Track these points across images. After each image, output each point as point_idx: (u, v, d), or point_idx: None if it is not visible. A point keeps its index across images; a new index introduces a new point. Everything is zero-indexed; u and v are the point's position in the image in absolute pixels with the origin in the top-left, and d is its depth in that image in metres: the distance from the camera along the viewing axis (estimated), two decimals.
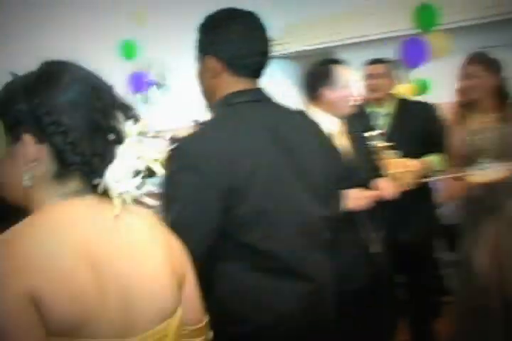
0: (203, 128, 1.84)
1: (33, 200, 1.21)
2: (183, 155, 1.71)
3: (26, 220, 1.16)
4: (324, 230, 1.97)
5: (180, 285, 1.35)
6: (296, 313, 1.84)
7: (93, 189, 1.19)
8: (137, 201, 1.23)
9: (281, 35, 6.36)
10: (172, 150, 1.68)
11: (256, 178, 1.74)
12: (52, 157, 1.17)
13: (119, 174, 1.19)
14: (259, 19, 1.88)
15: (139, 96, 5.77)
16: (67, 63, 1.24)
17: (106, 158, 1.19)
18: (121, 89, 1.29)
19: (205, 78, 1.91)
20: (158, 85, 5.89)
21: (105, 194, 1.20)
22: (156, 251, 1.30)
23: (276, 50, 5.98)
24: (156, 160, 1.24)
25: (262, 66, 1.90)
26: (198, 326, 1.43)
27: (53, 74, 1.21)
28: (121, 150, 1.21)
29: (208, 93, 1.93)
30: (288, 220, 1.83)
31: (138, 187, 1.21)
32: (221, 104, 1.87)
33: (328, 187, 2.01)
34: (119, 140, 1.21)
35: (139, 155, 1.22)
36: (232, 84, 1.86)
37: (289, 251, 1.82)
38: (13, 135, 1.18)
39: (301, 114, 2.06)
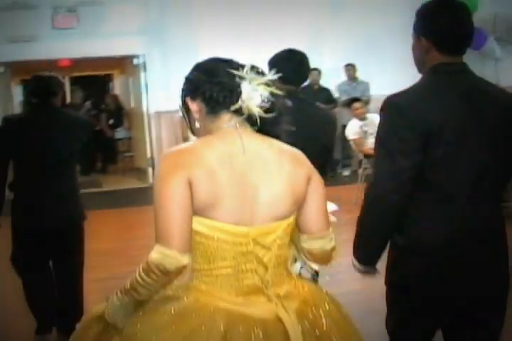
0: (411, 87, 2.40)
1: (204, 133, 2.01)
2: (392, 105, 2.33)
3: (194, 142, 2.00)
4: (493, 184, 2.38)
5: (296, 203, 1.98)
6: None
7: (237, 115, 1.96)
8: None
9: None
10: (385, 101, 2.34)
11: (445, 129, 2.25)
12: (205, 107, 1.98)
13: (250, 95, 1.91)
14: (466, 9, 2.38)
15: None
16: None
17: (235, 93, 1.93)
18: None
19: (418, 53, 2.45)
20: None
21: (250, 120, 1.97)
22: (282, 175, 1.96)
23: None
24: (266, 88, 1.93)
25: (463, 45, 2.39)
26: (315, 234, 2.04)
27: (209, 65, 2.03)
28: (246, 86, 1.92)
29: (419, 64, 2.47)
30: (466, 167, 2.30)
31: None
32: (428, 72, 2.40)
33: (503, 150, 2.37)
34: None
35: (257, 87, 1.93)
36: (437, 58, 2.36)
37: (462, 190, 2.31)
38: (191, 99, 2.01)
39: (495, 86, 2.49)
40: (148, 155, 11.33)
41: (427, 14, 2.40)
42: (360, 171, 8.82)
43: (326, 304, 2.04)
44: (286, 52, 3.43)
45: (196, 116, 2.01)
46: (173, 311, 1.88)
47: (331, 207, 2.22)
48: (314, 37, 10.92)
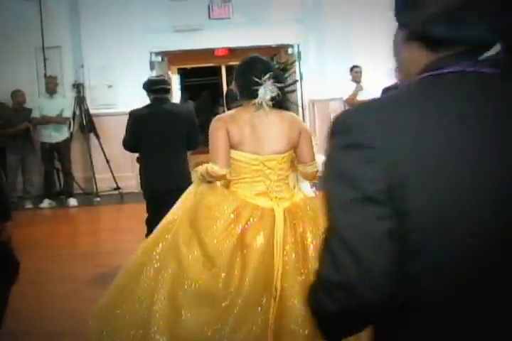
0: None
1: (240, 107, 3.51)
2: None
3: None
4: None
5: (289, 145, 3.36)
6: None
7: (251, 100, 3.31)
8: None
9: None
10: None
11: None
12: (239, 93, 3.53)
13: (263, 95, 3.24)
14: None
15: None
16: None
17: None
18: None
19: None
20: None
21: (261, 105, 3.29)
22: (282, 129, 3.34)
23: None
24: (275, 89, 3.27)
25: None
26: (307, 163, 3.38)
27: None
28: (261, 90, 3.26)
29: None
30: None
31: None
32: None
33: None
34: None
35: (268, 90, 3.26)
36: None
37: None
38: None
39: None
40: None
41: None
42: None
43: (309, 208, 3.31)
44: None
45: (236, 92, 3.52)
46: (220, 190, 3.31)
47: (321, 157, 3.23)
48: None
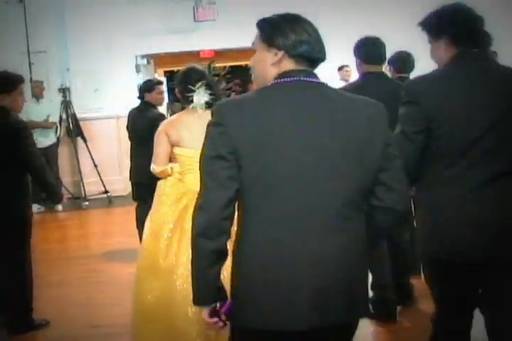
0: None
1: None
2: None
3: None
4: None
5: None
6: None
7: None
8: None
9: None
10: None
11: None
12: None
13: (197, 100, 3.82)
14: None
15: None
16: None
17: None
18: None
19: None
20: None
21: None
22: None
23: None
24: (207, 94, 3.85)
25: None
26: None
27: None
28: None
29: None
30: None
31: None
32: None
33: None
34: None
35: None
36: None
37: None
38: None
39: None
40: None
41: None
42: None
43: None
44: None
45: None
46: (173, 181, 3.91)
47: None
48: None
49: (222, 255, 2.04)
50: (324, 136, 2.00)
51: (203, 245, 2.00)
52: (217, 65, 15.45)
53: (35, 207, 9.57)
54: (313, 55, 2.10)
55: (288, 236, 1.97)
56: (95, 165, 9.85)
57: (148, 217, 3.89)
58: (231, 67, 15.85)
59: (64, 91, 10.14)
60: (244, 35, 10.19)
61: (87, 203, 9.79)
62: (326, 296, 1.99)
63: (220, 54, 12.60)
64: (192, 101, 3.84)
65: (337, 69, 10.52)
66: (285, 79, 2.07)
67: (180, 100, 4.05)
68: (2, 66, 10.29)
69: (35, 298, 4.62)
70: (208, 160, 2.02)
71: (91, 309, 5.04)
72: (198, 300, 2.09)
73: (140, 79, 10.08)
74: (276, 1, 10.70)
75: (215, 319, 2.07)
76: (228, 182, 1.98)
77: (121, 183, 10.29)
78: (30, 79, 10.03)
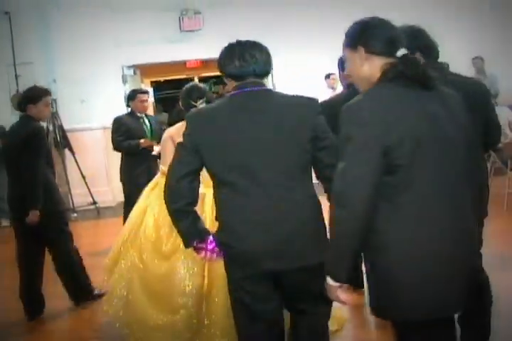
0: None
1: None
2: None
3: None
4: None
5: None
6: None
7: None
8: None
9: None
10: None
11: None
12: None
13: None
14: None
15: None
16: None
17: None
18: None
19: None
20: None
21: None
22: None
23: None
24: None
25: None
26: None
27: None
28: None
29: None
30: None
31: None
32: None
33: None
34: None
35: None
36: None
37: None
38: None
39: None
40: None
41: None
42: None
43: None
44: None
45: None
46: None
47: None
48: None
49: (185, 213, 2.89)
50: (262, 128, 2.80)
51: (169, 206, 2.89)
52: (203, 74, 15.61)
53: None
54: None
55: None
56: (83, 177, 9.83)
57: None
58: (217, 76, 15.92)
59: (51, 102, 10.10)
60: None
61: (75, 215, 9.76)
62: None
63: (206, 64, 12.64)
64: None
65: (324, 77, 10.58)
66: (234, 92, 2.91)
67: (184, 112, 4.28)
68: None
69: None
70: (180, 149, 2.90)
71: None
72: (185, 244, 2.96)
73: (127, 89, 10.07)
74: (260, 11, 10.80)
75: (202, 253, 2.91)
76: (186, 163, 2.87)
77: (109, 194, 10.26)
78: (17, 91, 10.00)
